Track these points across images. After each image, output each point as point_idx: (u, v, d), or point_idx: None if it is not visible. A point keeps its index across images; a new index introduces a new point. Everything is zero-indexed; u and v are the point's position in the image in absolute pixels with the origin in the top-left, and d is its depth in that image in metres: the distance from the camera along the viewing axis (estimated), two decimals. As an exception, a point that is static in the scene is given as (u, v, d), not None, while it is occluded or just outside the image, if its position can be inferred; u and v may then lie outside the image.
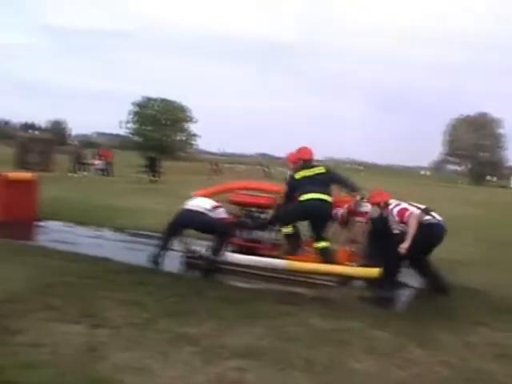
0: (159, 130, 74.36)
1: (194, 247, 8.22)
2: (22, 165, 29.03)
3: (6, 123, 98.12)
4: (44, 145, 32.57)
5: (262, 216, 8.58)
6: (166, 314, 5.24)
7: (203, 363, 4.20)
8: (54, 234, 9.84)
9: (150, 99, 76.47)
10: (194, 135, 78.93)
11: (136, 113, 75.15)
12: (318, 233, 7.69)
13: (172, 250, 7.91)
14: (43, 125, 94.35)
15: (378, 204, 7.51)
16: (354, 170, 69.09)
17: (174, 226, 7.81)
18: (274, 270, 7.50)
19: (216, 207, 7.92)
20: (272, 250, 8.19)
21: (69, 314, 4.99)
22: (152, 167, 29.11)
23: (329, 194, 7.74)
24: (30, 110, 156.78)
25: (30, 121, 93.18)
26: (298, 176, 7.93)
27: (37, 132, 38.11)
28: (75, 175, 28.82)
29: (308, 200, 7.61)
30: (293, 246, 7.95)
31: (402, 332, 5.33)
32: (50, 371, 3.81)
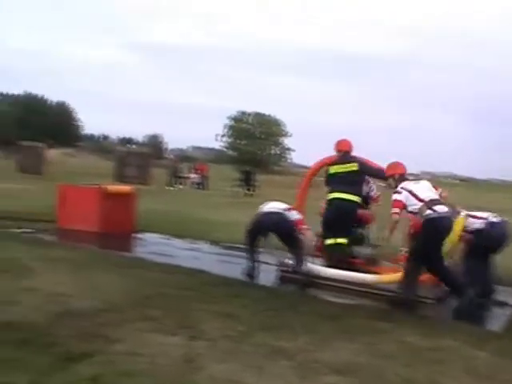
0: (253, 144, 75.37)
1: (287, 260, 8.22)
2: (121, 178, 30.42)
3: (105, 138, 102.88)
4: (141, 159, 33.90)
5: (359, 230, 8.54)
6: (261, 328, 5.25)
7: (299, 378, 4.15)
8: (152, 246, 10.18)
9: (244, 113, 77.81)
10: (288, 149, 79.30)
11: (231, 127, 76.69)
12: (335, 231, 7.64)
13: (265, 263, 7.96)
14: (140, 139, 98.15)
15: (392, 176, 7.18)
16: (450, 184, 66.61)
17: (252, 233, 7.88)
18: (365, 284, 7.43)
19: (290, 209, 7.95)
20: (367, 265, 8.12)
21: (166, 325, 5.10)
22: (247, 181, 29.54)
23: (356, 194, 7.54)
24: (127, 125, 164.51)
25: (127, 135, 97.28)
26: (331, 171, 7.79)
27: (134, 146, 39.57)
28: (172, 188, 29.75)
29: (333, 199, 7.44)
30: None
31: (502, 352, 5.06)
32: (148, 380, 3.89)
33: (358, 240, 8.44)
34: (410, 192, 6.71)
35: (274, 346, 4.79)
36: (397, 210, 6.66)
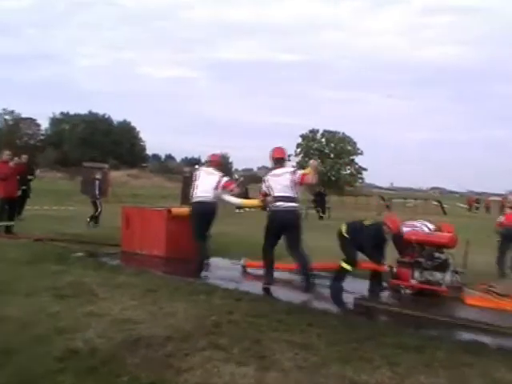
0: (324, 163, 75.22)
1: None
2: (188, 200, 30.84)
3: (170, 158, 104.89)
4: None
5: (442, 256, 8.40)
6: (337, 359, 5.18)
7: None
8: (220, 271, 10.25)
9: (314, 131, 77.92)
10: (361, 168, 78.58)
11: (300, 145, 76.86)
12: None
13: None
14: (205, 159, 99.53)
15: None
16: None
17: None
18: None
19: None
20: (450, 293, 8.07)
21: (236, 355, 5.12)
22: (320, 202, 29.37)
23: None
24: (192, 144, 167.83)
25: (193, 155, 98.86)
26: None
27: (197, 166, 40.12)
28: (241, 211, 29.99)
29: None
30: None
31: None
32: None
33: (440, 266, 8.29)
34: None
35: (351, 378, 4.72)
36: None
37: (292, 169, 8.90)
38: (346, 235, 8.51)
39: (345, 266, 8.40)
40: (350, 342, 5.75)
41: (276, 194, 8.57)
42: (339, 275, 8.53)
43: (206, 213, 9.73)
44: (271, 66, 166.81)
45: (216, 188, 9.75)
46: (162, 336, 5.54)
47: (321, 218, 27.93)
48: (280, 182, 8.57)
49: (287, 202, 8.54)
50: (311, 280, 8.65)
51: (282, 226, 8.67)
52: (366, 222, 8.60)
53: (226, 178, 10.05)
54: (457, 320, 7.22)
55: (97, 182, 18.19)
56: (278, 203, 8.53)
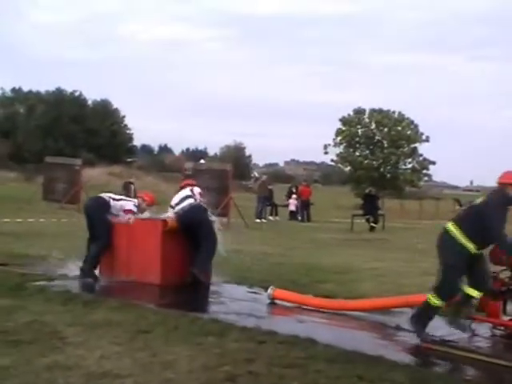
0: (376, 154, 74.78)
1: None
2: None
3: (166, 150, 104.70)
4: (219, 179, 33.91)
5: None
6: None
7: None
8: (234, 302, 10.22)
9: (359, 111, 77.34)
10: (428, 161, 77.72)
11: (341, 132, 76.30)
12: None
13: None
14: (216, 152, 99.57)
15: None
16: None
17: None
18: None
19: None
20: None
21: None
22: (370, 209, 29.07)
23: None
24: (195, 132, 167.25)
25: (196, 146, 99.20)
26: None
27: (203, 161, 39.23)
28: (262, 221, 29.93)
29: None
30: None
31: None
32: None
33: None
34: None
35: None
36: None
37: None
38: None
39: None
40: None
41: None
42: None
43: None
44: (306, 22, 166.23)
45: None
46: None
47: (372, 228, 27.80)
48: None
49: None
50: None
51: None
52: None
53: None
54: None
55: None
56: None
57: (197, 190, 12.02)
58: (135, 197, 17.95)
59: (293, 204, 34.57)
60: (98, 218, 11.74)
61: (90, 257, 11.69)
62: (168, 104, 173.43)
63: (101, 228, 11.66)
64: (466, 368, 7.35)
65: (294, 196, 35.34)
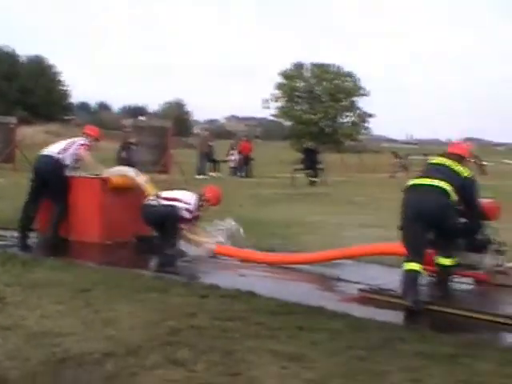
0: (316, 109, 74.88)
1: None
2: (130, 164, 30.32)
3: (105, 107, 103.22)
4: (159, 136, 33.55)
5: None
6: (338, 374, 5.17)
7: None
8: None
9: (299, 65, 77.20)
10: (367, 114, 78.20)
11: (282, 86, 76.20)
12: None
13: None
14: (156, 109, 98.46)
15: None
16: None
17: None
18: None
19: None
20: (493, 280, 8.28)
21: (200, 372, 5.09)
22: (310, 163, 29.28)
23: None
24: (135, 90, 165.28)
25: (136, 104, 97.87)
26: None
27: (143, 118, 38.54)
28: (204, 177, 29.86)
29: None
30: None
31: None
32: None
33: (479, 244, 8.37)
34: None
35: (361, 400, 4.73)
36: None
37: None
38: None
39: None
40: (356, 351, 5.75)
41: None
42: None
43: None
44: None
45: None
46: (99, 352, 5.46)
47: (312, 183, 27.98)
48: None
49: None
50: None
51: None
52: None
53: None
54: (506, 318, 7.17)
55: None
56: None
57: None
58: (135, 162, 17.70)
59: (233, 159, 34.57)
60: (56, 178, 11.34)
61: (54, 222, 11.37)
62: (105, 58, 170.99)
63: (59, 188, 11.37)
64: (402, 315, 7.54)
65: (234, 151, 35.36)
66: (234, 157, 34.75)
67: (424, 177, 8.08)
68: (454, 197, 7.86)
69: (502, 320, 7.15)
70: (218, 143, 37.77)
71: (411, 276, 7.69)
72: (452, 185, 7.86)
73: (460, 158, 8.25)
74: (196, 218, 10.56)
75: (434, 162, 8.38)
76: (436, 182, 7.87)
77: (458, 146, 8.65)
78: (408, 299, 7.51)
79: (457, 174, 8.05)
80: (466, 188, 8.04)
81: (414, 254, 7.81)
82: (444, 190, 7.83)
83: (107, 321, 6.40)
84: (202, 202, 10.57)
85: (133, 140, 18.71)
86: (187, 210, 10.26)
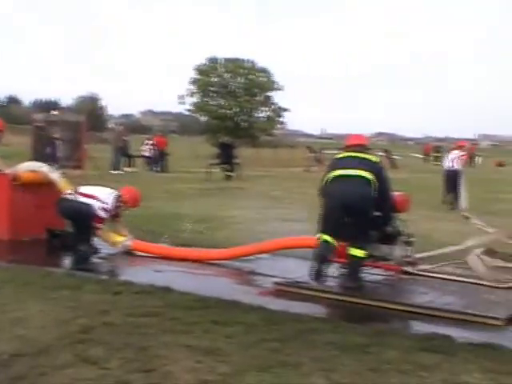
0: (231, 104, 75.00)
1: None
2: (42, 160, 29.77)
3: (14, 101, 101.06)
4: (73, 131, 33.07)
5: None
6: (253, 366, 5.20)
7: None
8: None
9: (214, 60, 77.17)
10: (281, 109, 78.74)
11: (196, 81, 76.08)
12: None
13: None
14: (69, 103, 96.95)
15: None
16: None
17: None
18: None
19: None
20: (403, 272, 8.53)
21: (114, 370, 5.04)
22: (226, 158, 29.30)
23: None
24: (46, 83, 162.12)
25: (48, 98, 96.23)
26: None
27: (56, 112, 37.76)
28: (119, 172, 29.57)
29: None
30: None
31: None
32: None
33: (389, 236, 8.56)
34: None
35: (272, 391, 4.75)
36: None
37: None
38: None
39: None
40: (271, 343, 5.79)
41: None
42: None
43: None
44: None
45: None
46: (7, 352, 5.37)
47: (228, 177, 28.01)
48: None
49: None
50: None
51: None
52: None
53: None
54: (412, 307, 7.43)
55: None
56: None
57: None
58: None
59: (146, 151, 34.51)
60: None
61: None
62: (13, 48, 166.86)
63: None
64: (316, 306, 7.68)
65: (147, 145, 35.28)
66: (148, 147, 34.69)
67: (348, 167, 8.21)
68: (375, 188, 8.04)
69: (410, 309, 7.38)
70: (133, 138, 37.46)
71: (324, 246, 8.15)
72: (373, 173, 8.08)
73: (364, 148, 8.55)
74: (116, 216, 10.41)
75: (345, 155, 8.51)
76: (361, 173, 8.08)
77: (356, 138, 8.94)
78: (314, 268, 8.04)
79: (371, 161, 8.32)
80: (381, 173, 8.30)
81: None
82: (368, 180, 8.04)
83: (16, 320, 6.28)
84: (120, 202, 10.37)
85: (57, 135, 18.41)
86: (104, 208, 10.05)
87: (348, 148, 8.58)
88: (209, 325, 6.30)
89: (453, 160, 19.69)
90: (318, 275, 8.02)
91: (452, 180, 19.09)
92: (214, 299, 7.43)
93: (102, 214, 10.01)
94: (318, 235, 8.19)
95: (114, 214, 10.31)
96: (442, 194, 19.55)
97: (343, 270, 8.50)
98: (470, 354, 5.78)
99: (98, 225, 10.08)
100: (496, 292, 7.98)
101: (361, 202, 8.01)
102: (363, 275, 8.43)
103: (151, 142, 35.30)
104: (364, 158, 8.34)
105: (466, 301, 7.62)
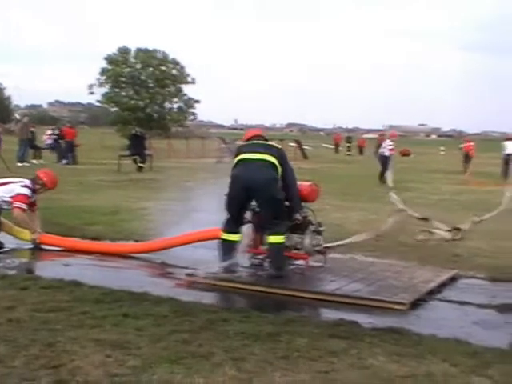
0: (142, 95, 74.38)
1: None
2: None
3: None
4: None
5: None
6: (164, 358, 5.21)
7: None
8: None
9: (125, 50, 76.38)
10: (193, 100, 78.60)
11: (107, 71, 75.17)
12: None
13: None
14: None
15: None
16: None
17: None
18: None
19: None
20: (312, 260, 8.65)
21: (19, 367, 4.98)
22: (137, 149, 29.03)
23: None
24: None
25: None
26: None
27: None
28: (26, 165, 29.00)
29: None
30: None
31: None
32: None
33: (299, 225, 8.64)
34: None
35: (182, 383, 4.75)
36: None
37: None
38: None
39: None
40: (180, 335, 5.80)
41: None
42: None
43: None
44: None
45: None
46: None
47: (140, 168, 27.78)
48: None
49: None
50: None
51: None
52: None
53: None
54: (321, 295, 7.63)
55: None
56: None
57: None
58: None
59: (49, 139, 34.16)
60: None
61: None
62: None
63: None
64: (228, 297, 7.80)
65: (49, 135, 34.95)
66: (46, 136, 34.45)
67: (253, 152, 8.33)
68: (279, 172, 8.19)
69: (320, 297, 7.58)
70: (42, 129, 36.79)
71: (227, 245, 8.43)
72: (276, 158, 8.26)
73: (263, 139, 8.77)
74: (33, 205, 10.23)
75: (249, 142, 8.76)
76: (265, 157, 8.24)
77: (254, 130, 9.33)
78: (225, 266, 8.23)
79: (274, 147, 8.64)
80: (284, 158, 8.48)
81: (235, 225, 8.44)
82: (272, 164, 8.20)
83: None
84: (38, 185, 10.23)
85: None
86: (25, 186, 10.03)
87: (249, 140, 8.73)
88: (119, 318, 6.27)
89: (384, 148, 24.48)
90: (229, 266, 8.13)
91: (384, 163, 23.08)
92: (124, 292, 7.38)
93: (5, 206, 9.84)
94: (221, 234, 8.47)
95: (32, 202, 10.12)
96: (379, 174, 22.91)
97: (255, 260, 8.58)
98: (375, 339, 5.94)
99: (21, 205, 9.89)
100: (401, 278, 8.27)
101: (265, 185, 8.12)
102: (287, 262, 8.56)
103: (51, 131, 35.02)
104: (267, 144, 8.60)
105: (372, 287, 7.83)
